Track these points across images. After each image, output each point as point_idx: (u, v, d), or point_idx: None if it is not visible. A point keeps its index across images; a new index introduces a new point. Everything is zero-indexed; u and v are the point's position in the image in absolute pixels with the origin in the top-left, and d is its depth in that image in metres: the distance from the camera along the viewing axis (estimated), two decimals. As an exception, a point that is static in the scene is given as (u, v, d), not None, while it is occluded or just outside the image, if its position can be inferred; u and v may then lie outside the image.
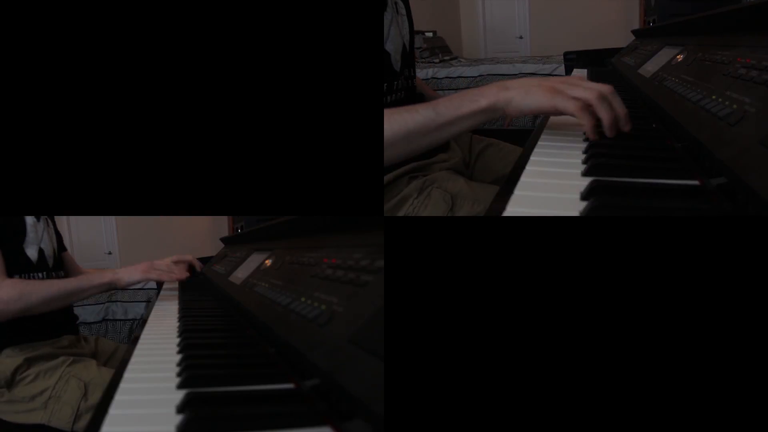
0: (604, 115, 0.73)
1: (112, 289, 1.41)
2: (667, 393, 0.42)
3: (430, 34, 4.56)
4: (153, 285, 1.68)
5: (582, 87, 0.74)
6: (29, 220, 1.32)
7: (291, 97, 0.67)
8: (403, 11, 1.18)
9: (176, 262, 1.52)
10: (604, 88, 0.74)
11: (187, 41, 0.65)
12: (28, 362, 1.23)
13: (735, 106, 0.64)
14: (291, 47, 0.66)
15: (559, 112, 0.75)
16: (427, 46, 4.35)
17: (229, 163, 0.66)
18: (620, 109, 0.75)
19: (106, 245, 4.33)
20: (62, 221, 3.82)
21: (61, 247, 1.46)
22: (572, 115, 0.72)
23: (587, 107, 0.72)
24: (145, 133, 0.66)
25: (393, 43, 1.10)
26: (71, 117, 0.65)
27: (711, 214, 0.50)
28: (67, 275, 1.44)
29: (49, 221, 1.42)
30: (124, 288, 1.47)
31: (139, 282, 1.40)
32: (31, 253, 1.31)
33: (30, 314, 1.23)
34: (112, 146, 0.65)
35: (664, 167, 0.64)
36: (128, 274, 1.37)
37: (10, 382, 1.22)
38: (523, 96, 0.76)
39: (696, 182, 0.59)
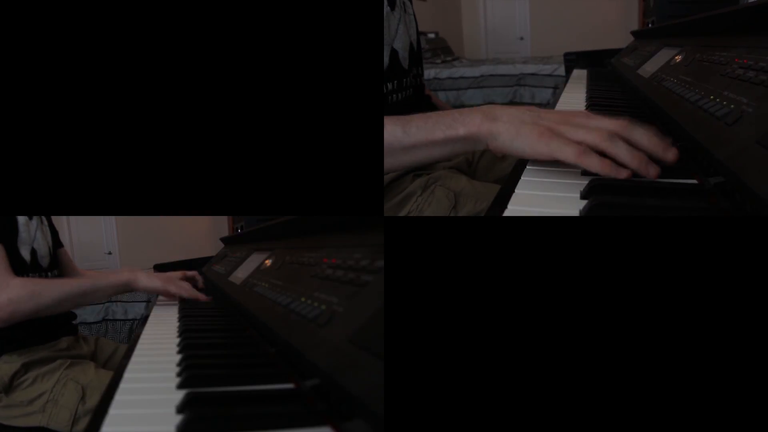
0: (625, 157, 0.58)
1: (128, 290, 1.35)
2: (667, 393, 0.42)
3: (432, 35, 4.58)
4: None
5: (585, 128, 0.60)
6: (21, 219, 1.29)
7: (291, 97, 0.67)
8: (411, 11, 1.19)
9: (187, 279, 1.47)
10: (614, 125, 0.60)
11: (188, 41, 0.66)
12: (26, 367, 1.22)
13: (733, 106, 0.64)
14: (291, 47, 0.66)
15: (557, 160, 0.62)
16: (429, 47, 4.37)
17: (229, 163, 0.66)
18: (646, 140, 0.60)
19: (106, 245, 4.34)
20: (62, 221, 3.82)
21: (56, 243, 1.43)
22: (572, 163, 0.60)
23: (589, 151, 0.59)
24: (145, 132, 0.66)
25: (401, 41, 1.11)
26: (71, 116, 0.65)
27: (710, 214, 0.50)
28: (61, 274, 1.43)
29: (43, 219, 1.38)
30: (140, 291, 1.41)
31: (156, 290, 1.34)
32: (24, 253, 1.28)
33: (41, 315, 1.20)
34: (112, 146, 0.65)
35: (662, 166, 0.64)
36: (148, 278, 1.32)
37: (8, 387, 1.21)
38: (513, 135, 0.64)
39: (694, 181, 0.59)
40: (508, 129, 0.64)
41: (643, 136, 0.60)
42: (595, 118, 0.62)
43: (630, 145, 0.59)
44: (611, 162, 0.58)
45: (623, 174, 0.58)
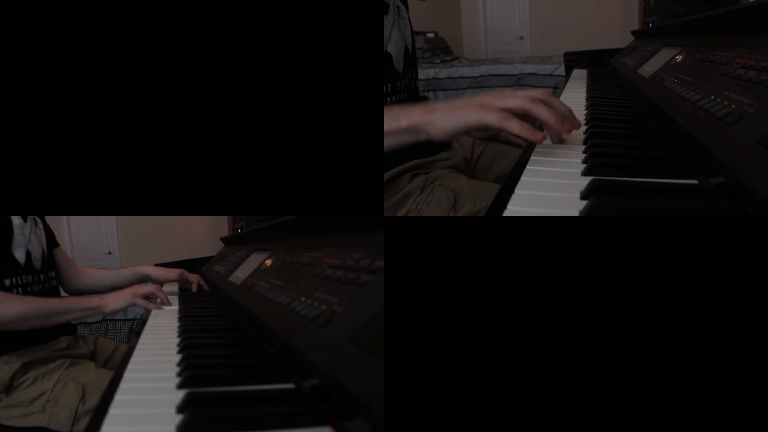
0: (545, 115, 0.70)
1: (97, 313, 1.38)
2: (667, 393, 0.42)
3: (432, 35, 4.56)
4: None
5: (512, 96, 0.71)
6: (16, 221, 1.29)
7: (291, 97, 0.67)
8: (405, 15, 1.19)
9: (181, 276, 1.50)
10: (537, 92, 0.72)
11: (188, 42, 0.65)
12: (26, 367, 1.22)
13: (733, 106, 0.64)
14: (291, 47, 0.66)
15: (485, 127, 0.71)
16: (429, 47, 4.36)
17: (229, 163, 0.66)
18: (562, 107, 0.72)
19: (106, 245, 4.33)
20: (62, 221, 3.82)
21: (52, 244, 1.43)
22: (497, 127, 0.70)
23: (511, 116, 0.69)
24: (145, 132, 0.66)
25: (395, 45, 1.11)
26: (71, 116, 0.65)
27: (710, 214, 0.50)
28: (59, 273, 1.43)
29: (37, 220, 1.38)
30: (110, 314, 1.46)
31: (125, 308, 1.37)
32: (19, 255, 1.27)
33: (3, 329, 1.19)
34: (112, 146, 0.65)
35: (663, 167, 0.64)
36: (115, 300, 1.34)
37: (8, 387, 1.21)
38: (448, 117, 0.73)
39: (695, 181, 0.59)
40: (443, 114, 0.74)
41: (561, 103, 0.72)
42: (523, 90, 0.73)
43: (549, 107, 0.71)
44: (529, 126, 0.69)
45: (538, 137, 0.69)
